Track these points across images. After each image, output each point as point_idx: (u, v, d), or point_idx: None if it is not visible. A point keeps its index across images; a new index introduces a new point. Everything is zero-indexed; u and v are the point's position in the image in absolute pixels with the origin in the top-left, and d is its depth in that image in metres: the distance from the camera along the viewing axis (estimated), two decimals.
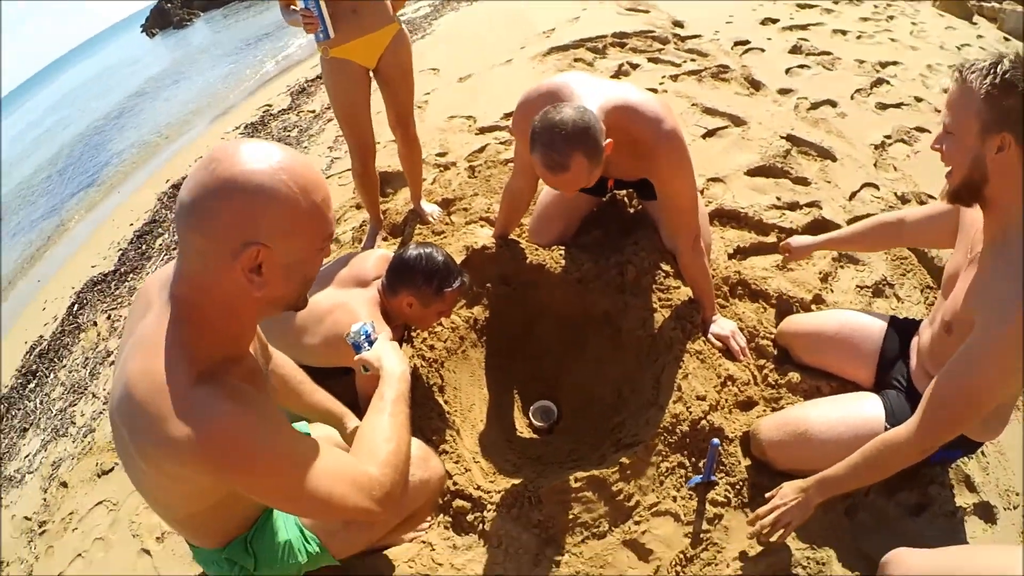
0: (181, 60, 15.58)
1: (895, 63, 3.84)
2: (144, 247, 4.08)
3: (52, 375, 3.28)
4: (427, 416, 1.87)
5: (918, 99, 3.40)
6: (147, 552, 2.02)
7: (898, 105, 3.33)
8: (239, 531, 1.23)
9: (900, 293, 2.20)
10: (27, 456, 2.81)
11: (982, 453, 1.68)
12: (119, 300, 3.61)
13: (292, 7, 2.31)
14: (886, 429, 1.38)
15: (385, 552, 1.62)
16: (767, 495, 1.46)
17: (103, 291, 3.78)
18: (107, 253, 4.26)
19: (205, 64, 12.78)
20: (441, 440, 1.82)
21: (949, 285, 1.43)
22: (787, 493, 1.41)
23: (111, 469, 2.42)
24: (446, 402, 1.98)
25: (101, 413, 2.79)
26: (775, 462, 1.60)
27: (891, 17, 4.75)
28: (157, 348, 0.90)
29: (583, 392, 2.10)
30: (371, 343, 1.37)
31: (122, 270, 3.91)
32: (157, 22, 25.71)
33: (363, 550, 1.59)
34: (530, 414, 2.09)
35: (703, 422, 1.65)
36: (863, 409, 1.52)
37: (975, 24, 5.04)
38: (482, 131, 3.61)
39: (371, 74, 2.44)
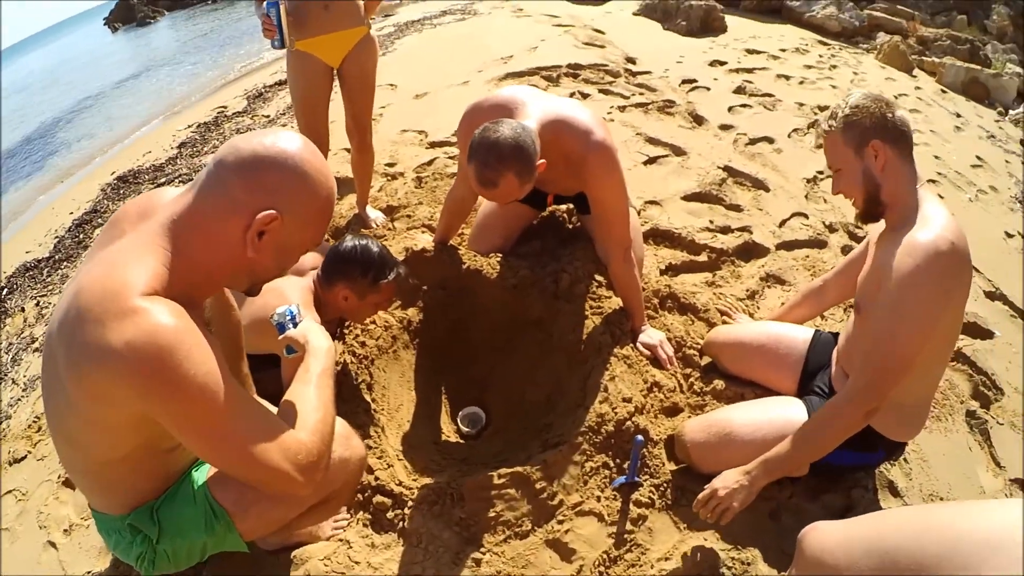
0: (141, 56, 15.24)
1: None
2: (82, 236, 3.93)
3: None
4: (353, 412, 1.85)
5: None
6: (53, 545, 1.92)
7: None
8: (147, 497, 1.18)
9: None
10: None
11: (905, 460, 1.75)
12: (50, 288, 3.45)
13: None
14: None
15: (299, 550, 1.56)
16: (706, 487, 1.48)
17: (35, 277, 3.61)
18: (43, 240, 4.10)
19: (164, 63, 12.53)
20: (365, 436, 1.78)
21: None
22: (728, 477, 1.44)
23: (23, 457, 2.30)
24: (373, 400, 1.96)
25: (19, 400, 2.65)
26: (700, 464, 1.61)
27: (834, 67, 5.07)
28: (121, 264, 0.94)
29: (513, 395, 2.11)
30: (295, 326, 1.37)
31: (56, 257, 3.76)
32: (121, 16, 25.07)
33: (276, 541, 1.56)
34: (458, 420, 2.08)
35: (628, 423, 1.68)
36: (786, 411, 1.57)
37: (914, 76, 5.37)
38: (432, 145, 3.67)
39: (335, 74, 2.47)
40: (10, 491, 2.19)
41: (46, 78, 17.96)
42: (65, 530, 1.97)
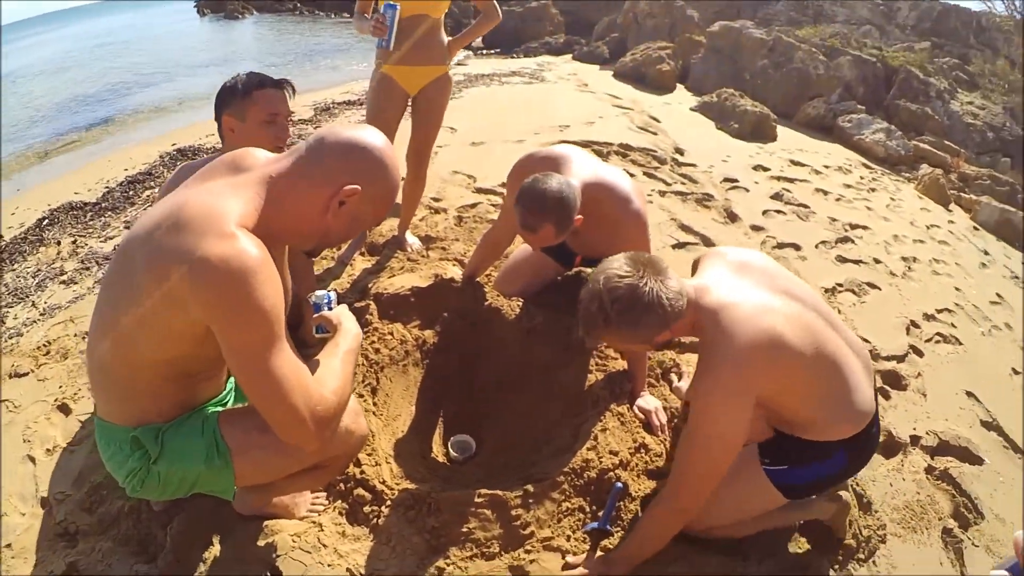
0: (223, 46, 15.89)
1: (865, 227, 4.20)
2: (131, 193, 4.11)
3: None
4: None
5: (876, 260, 3.71)
6: (32, 459, 1.99)
7: (857, 262, 3.62)
8: (158, 418, 1.25)
9: None
10: None
11: (874, 563, 1.78)
12: (90, 230, 3.61)
13: (366, 15, 2.54)
14: (763, 463, 1.55)
15: (272, 521, 1.60)
16: (567, 560, 1.58)
17: (77, 217, 3.78)
18: (93, 186, 4.29)
19: (245, 57, 13.06)
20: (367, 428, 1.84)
21: None
22: (594, 566, 1.54)
23: (25, 374, 2.39)
24: (375, 404, 2.04)
25: (35, 322, 2.76)
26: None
27: (873, 190, 5.20)
28: (223, 196, 1.12)
29: (507, 433, 2.16)
30: (330, 309, 1.47)
31: (103, 205, 3.93)
32: (211, 4, 26.34)
33: (254, 506, 1.60)
34: (449, 444, 2.14)
35: (611, 474, 1.73)
36: (744, 453, 1.61)
37: (950, 211, 5.46)
38: (479, 191, 3.84)
39: (410, 101, 2.67)
40: (2, 400, 2.26)
41: (132, 40, 18.86)
42: (48, 449, 2.02)
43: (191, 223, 1.04)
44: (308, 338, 2.00)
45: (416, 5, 2.45)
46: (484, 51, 12.58)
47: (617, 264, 1.40)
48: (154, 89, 9.92)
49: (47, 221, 3.75)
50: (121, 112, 8.31)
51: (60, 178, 4.90)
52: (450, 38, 2.66)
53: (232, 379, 1.53)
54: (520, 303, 2.39)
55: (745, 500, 1.59)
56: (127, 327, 1.13)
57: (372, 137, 1.21)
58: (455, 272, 2.50)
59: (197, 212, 1.06)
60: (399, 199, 2.96)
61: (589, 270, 2.66)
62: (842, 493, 1.74)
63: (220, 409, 1.36)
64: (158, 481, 1.27)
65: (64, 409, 2.19)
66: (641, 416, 1.99)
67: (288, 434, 1.14)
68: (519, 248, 2.59)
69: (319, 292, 1.49)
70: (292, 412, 1.10)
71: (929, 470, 2.19)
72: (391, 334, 2.22)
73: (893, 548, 1.85)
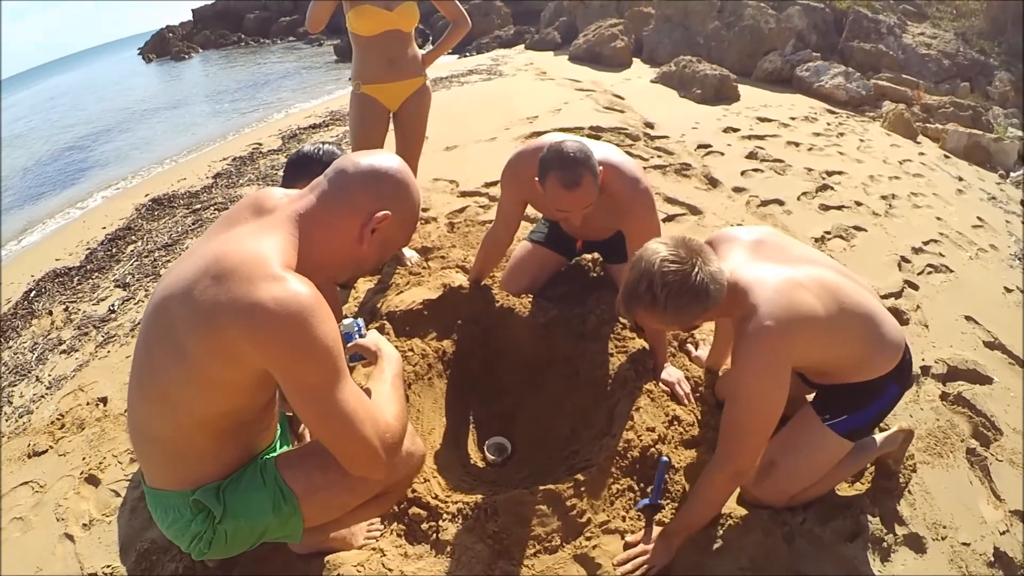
0: (176, 89, 15.72)
1: (841, 172, 4.29)
2: (114, 250, 4.06)
3: None
4: None
5: (858, 203, 3.79)
6: (70, 537, 1.93)
7: (839, 207, 3.70)
8: (214, 477, 1.23)
9: None
10: None
11: (909, 491, 1.85)
12: (79, 294, 3.55)
13: None
14: (824, 420, 1.60)
15: (333, 556, 1.60)
16: (626, 540, 1.62)
17: (64, 284, 3.72)
18: (74, 250, 4.22)
19: (198, 98, 12.94)
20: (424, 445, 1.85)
21: None
22: (654, 541, 1.58)
23: (44, 451, 2.35)
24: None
25: (43, 397, 2.70)
26: (757, 497, 1.71)
27: (841, 134, 5.29)
28: (257, 241, 1.10)
29: (540, 427, 2.20)
30: (361, 337, 1.48)
31: (88, 267, 3.87)
32: (156, 49, 25.93)
33: (311, 544, 1.59)
34: (485, 448, 2.16)
35: (652, 450, 1.77)
36: (800, 417, 1.69)
37: (919, 143, 5.57)
38: (464, 194, 3.85)
39: (391, 117, 2.68)
40: (26, 482, 2.21)
41: (82, 96, 18.52)
42: (84, 524, 1.98)
43: (236, 271, 1.02)
44: None
45: (387, 20, 2.46)
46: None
47: (668, 248, 1.41)
48: (114, 141, 9.79)
49: (34, 292, 3.68)
50: (86, 171, 8.18)
51: (38, 247, 4.83)
52: (423, 51, 2.68)
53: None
54: (531, 299, 2.42)
55: (817, 461, 1.65)
56: (174, 389, 1.10)
57: (390, 161, 1.24)
58: (462, 279, 2.52)
59: (239, 259, 1.04)
60: None
61: (589, 257, 2.70)
62: (902, 423, 1.83)
63: (274, 455, 1.33)
64: (225, 540, 1.25)
65: (92, 480, 2.14)
66: (666, 389, 2.03)
67: (361, 467, 1.14)
68: (519, 246, 2.63)
69: (347, 321, 1.49)
70: (365, 445, 1.10)
71: (944, 396, 2.26)
72: (411, 350, 2.23)
73: (924, 476, 1.92)
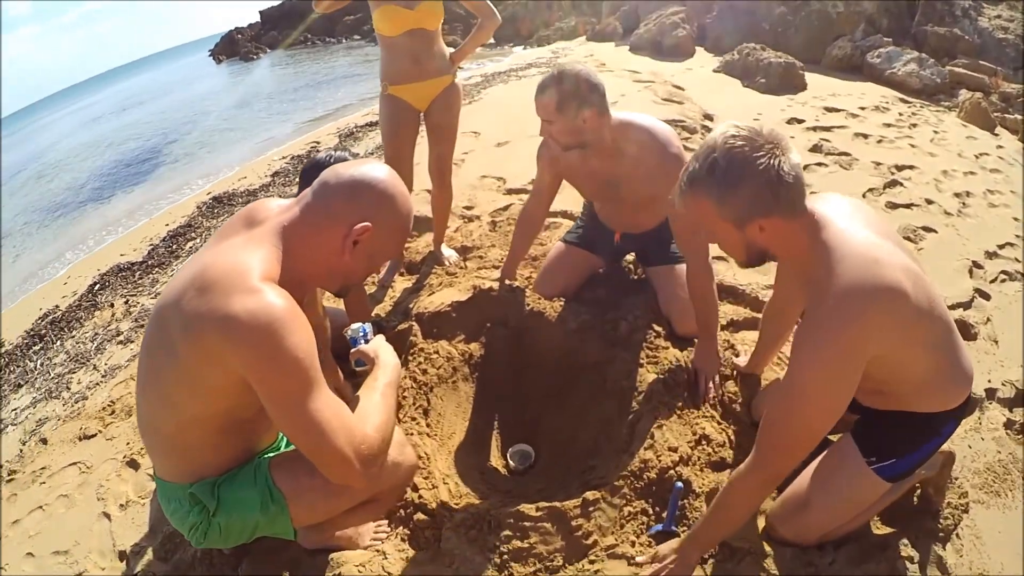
0: (242, 89, 16.47)
1: (911, 167, 3.99)
2: (175, 247, 4.29)
3: (59, 343, 3.43)
4: (407, 433, 1.92)
5: (929, 201, 3.51)
6: (107, 516, 2.08)
7: (908, 205, 3.45)
8: (212, 472, 1.30)
9: None
10: (15, 409, 2.93)
11: (957, 535, 1.65)
12: (140, 288, 3.77)
13: None
14: (870, 463, 1.41)
15: (337, 554, 1.60)
16: (639, 560, 1.49)
17: (126, 278, 3.95)
18: (138, 246, 4.48)
19: (265, 97, 13.49)
20: (417, 456, 1.83)
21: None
22: (665, 554, 1.44)
23: (94, 435, 2.49)
24: (428, 425, 2.03)
25: (98, 384, 2.88)
26: (784, 536, 1.55)
27: (914, 125, 4.95)
28: (242, 253, 1.14)
29: (564, 436, 2.13)
30: (366, 342, 1.48)
31: (149, 263, 4.11)
32: (226, 50, 27.28)
33: (318, 540, 1.62)
34: (508, 455, 2.12)
35: (671, 472, 1.67)
36: (841, 455, 1.50)
37: (996, 135, 5.17)
38: (509, 192, 3.83)
39: (421, 117, 2.65)
40: (75, 463, 2.37)
41: (156, 97, 19.76)
42: (121, 505, 2.11)
43: (217, 284, 1.07)
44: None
45: (410, 19, 2.43)
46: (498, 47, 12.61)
47: (743, 126, 1.20)
48: (188, 141, 10.34)
49: (98, 285, 3.94)
50: (155, 170, 8.70)
51: (106, 242, 5.16)
52: (452, 50, 2.64)
53: None
54: (562, 303, 2.35)
55: (855, 504, 1.48)
56: (171, 389, 1.17)
57: (375, 171, 1.22)
58: (493, 282, 2.46)
59: (221, 272, 1.09)
60: (430, 213, 2.97)
61: (631, 258, 2.59)
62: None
63: (271, 456, 1.39)
64: (220, 532, 1.32)
65: (133, 464, 2.29)
66: (692, 372, 1.93)
67: (335, 475, 1.16)
68: (553, 247, 2.56)
69: (355, 325, 1.50)
70: (337, 454, 1.11)
71: (1009, 424, 2.02)
72: (436, 352, 2.21)
73: (977, 517, 1.71)
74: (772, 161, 1.15)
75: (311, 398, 1.09)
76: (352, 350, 1.46)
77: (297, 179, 2.58)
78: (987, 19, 7.86)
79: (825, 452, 1.55)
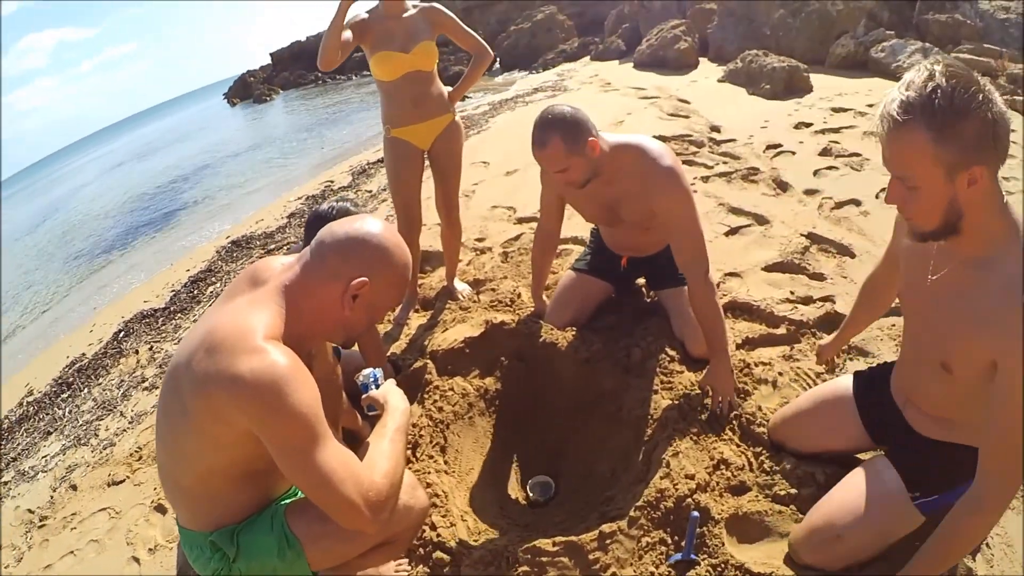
0: (256, 131, 16.92)
1: None
2: (196, 292, 4.37)
3: (86, 390, 3.52)
4: (424, 471, 1.93)
5: None
6: (136, 560, 2.13)
7: None
8: (231, 520, 1.34)
9: None
10: (45, 456, 3.01)
11: (987, 545, 1.58)
12: (163, 334, 3.84)
13: None
14: (913, 499, 1.36)
15: None
16: None
17: (150, 324, 4.04)
18: (160, 292, 4.59)
19: (278, 138, 13.82)
20: (433, 495, 1.85)
21: (917, 315, 1.35)
22: None
23: (122, 481, 2.56)
24: (446, 462, 2.04)
25: (125, 431, 2.95)
26: (810, 564, 1.51)
27: None
28: (246, 314, 1.20)
29: (582, 467, 2.12)
30: (377, 387, 1.50)
31: (171, 308, 4.19)
32: (239, 93, 28.00)
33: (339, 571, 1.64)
34: (528, 487, 2.11)
35: (689, 500, 1.64)
36: (882, 487, 1.43)
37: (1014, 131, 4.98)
38: (520, 221, 3.85)
39: (425, 156, 2.71)
40: (104, 508, 2.43)
41: (172, 143, 20.38)
42: (150, 549, 2.16)
43: (223, 344, 1.13)
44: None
45: (406, 63, 2.49)
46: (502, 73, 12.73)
47: (949, 60, 1.05)
48: (204, 185, 10.62)
49: (123, 332, 4.04)
50: (182, 210, 8.94)
51: (129, 290, 5.30)
52: (449, 88, 2.69)
53: None
54: (575, 332, 2.35)
55: (889, 537, 1.43)
56: (185, 444, 1.22)
57: (368, 227, 1.27)
58: (505, 316, 2.49)
59: (226, 333, 1.15)
60: (441, 248, 3.01)
61: (641, 282, 2.59)
62: None
63: (287, 502, 1.42)
64: None
65: (161, 509, 2.34)
66: (707, 388, 1.93)
67: (346, 521, 1.18)
68: (563, 276, 2.58)
69: (365, 371, 1.52)
70: (345, 502, 1.14)
71: None
72: (452, 389, 2.23)
73: (1008, 524, 1.62)
74: (993, 96, 1.00)
75: (318, 450, 1.13)
76: (363, 396, 1.49)
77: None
78: (987, 1, 7.75)
79: (855, 478, 1.50)
